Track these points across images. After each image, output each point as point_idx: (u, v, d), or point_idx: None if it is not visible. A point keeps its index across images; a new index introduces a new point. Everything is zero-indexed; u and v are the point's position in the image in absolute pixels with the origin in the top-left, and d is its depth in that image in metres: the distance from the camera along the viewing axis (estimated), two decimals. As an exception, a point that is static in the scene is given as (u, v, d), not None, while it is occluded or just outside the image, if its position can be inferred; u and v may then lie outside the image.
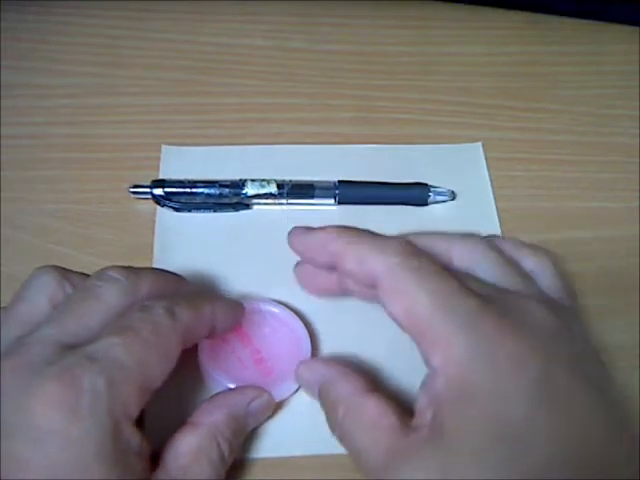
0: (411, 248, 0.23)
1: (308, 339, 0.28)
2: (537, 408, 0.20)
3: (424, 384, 0.22)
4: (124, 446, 0.20)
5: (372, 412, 0.22)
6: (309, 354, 0.28)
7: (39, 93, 0.39)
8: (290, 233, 0.27)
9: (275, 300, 0.30)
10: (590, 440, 0.20)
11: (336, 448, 0.24)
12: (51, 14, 0.43)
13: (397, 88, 0.41)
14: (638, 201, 0.37)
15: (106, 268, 0.24)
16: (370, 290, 0.23)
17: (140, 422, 0.22)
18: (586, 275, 0.33)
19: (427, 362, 0.22)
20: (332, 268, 0.25)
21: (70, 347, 0.21)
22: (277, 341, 0.28)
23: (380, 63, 0.42)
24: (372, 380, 0.25)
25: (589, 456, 0.20)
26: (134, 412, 0.21)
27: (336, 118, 0.39)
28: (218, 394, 0.26)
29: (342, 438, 0.23)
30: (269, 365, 0.28)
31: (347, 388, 0.24)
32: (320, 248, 0.25)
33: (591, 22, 0.45)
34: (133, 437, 0.21)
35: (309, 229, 0.26)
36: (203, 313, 0.24)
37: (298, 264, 0.28)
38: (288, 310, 0.29)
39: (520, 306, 0.22)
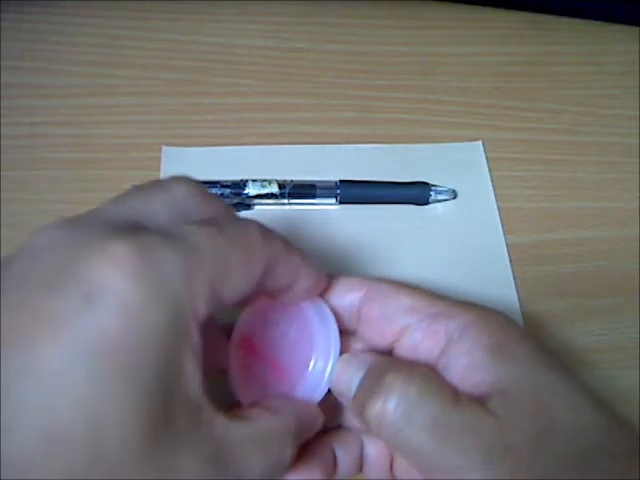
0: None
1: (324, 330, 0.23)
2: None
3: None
4: (183, 342, 0.16)
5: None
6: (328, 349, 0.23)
7: (39, 93, 0.39)
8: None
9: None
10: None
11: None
12: (51, 14, 0.43)
13: (397, 88, 0.41)
14: (638, 201, 0.37)
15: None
16: None
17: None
18: (586, 275, 0.33)
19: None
20: None
21: (138, 225, 0.18)
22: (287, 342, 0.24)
23: (380, 63, 0.42)
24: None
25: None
26: (201, 311, 0.17)
27: (336, 118, 0.39)
28: (278, 396, 0.23)
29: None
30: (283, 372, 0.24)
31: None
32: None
33: (591, 22, 0.45)
34: (195, 340, 0.17)
35: None
36: (294, 255, 0.21)
37: None
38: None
39: None
